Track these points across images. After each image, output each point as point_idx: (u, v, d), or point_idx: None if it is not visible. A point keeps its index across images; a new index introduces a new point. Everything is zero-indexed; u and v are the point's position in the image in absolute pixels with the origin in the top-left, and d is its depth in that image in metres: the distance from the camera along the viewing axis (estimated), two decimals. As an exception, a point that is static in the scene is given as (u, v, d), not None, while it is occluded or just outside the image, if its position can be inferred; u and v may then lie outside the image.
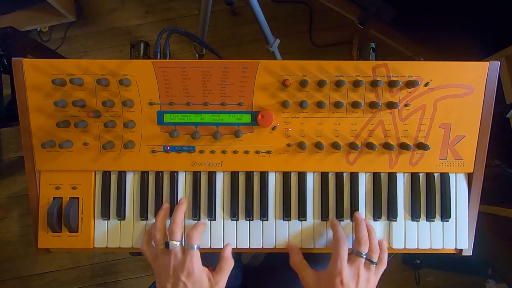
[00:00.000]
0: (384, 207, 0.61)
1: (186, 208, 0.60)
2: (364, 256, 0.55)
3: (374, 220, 0.60)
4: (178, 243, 0.55)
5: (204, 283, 0.54)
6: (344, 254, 0.54)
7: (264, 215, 0.60)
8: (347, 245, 0.55)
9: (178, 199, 0.60)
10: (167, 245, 0.55)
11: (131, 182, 0.61)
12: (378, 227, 0.61)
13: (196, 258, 0.54)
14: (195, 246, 0.55)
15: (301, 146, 0.58)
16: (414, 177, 0.61)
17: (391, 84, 0.57)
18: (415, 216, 0.60)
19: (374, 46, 0.63)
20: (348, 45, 1.47)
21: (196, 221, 0.60)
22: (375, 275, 0.56)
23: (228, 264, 0.57)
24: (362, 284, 0.53)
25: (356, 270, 0.54)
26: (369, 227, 0.58)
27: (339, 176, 0.61)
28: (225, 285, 0.56)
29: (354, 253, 0.55)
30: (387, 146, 0.58)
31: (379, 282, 0.56)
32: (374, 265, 0.56)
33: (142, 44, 0.63)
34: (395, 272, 1.44)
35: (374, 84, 0.57)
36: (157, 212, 0.59)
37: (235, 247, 0.60)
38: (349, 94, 0.58)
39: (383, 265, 0.57)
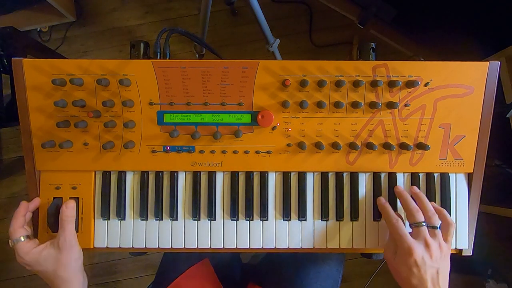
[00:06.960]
0: (384, 207, 0.60)
1: (186, 208, 0.60)
2: (424, 224, 0.53)
3: (374, 220, 0.60)
4: None
5: None
6: (403, 230, 0.52)
7: (264, 215, 0.60)
8: (401, 222, 0.53)
9: (178, 199, 0.60)
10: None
11: (131, 182, 0.61)
12: (379, 227, 0.61)
13: None
14: None
15: (301, 146, 0.58)
16: (414, 177, 0.61)
17: (391, 84, 0.57)
18: (415, 216, 0.60)
19: (374, 46, 0.63)
20: (348, 45, 1.47)
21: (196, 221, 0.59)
22: (445, 241, 0.53)
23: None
24: (435, 254, 0.51)
25: (424, 241, 0.51)
26: (417, 194, 0.56)
27: (339, 176, 0.61)
28: None
29: (413, 226, 0.53)
30: (387, 146, 0.58)
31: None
32: (438, 229, 0.53)
33: (142, 44, 0.63)
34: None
35: (374, 84, 0.57)
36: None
37: (235, 247, 0.60)
38: (349, 94, 0.58)
39: (450, 225, 0.53)
